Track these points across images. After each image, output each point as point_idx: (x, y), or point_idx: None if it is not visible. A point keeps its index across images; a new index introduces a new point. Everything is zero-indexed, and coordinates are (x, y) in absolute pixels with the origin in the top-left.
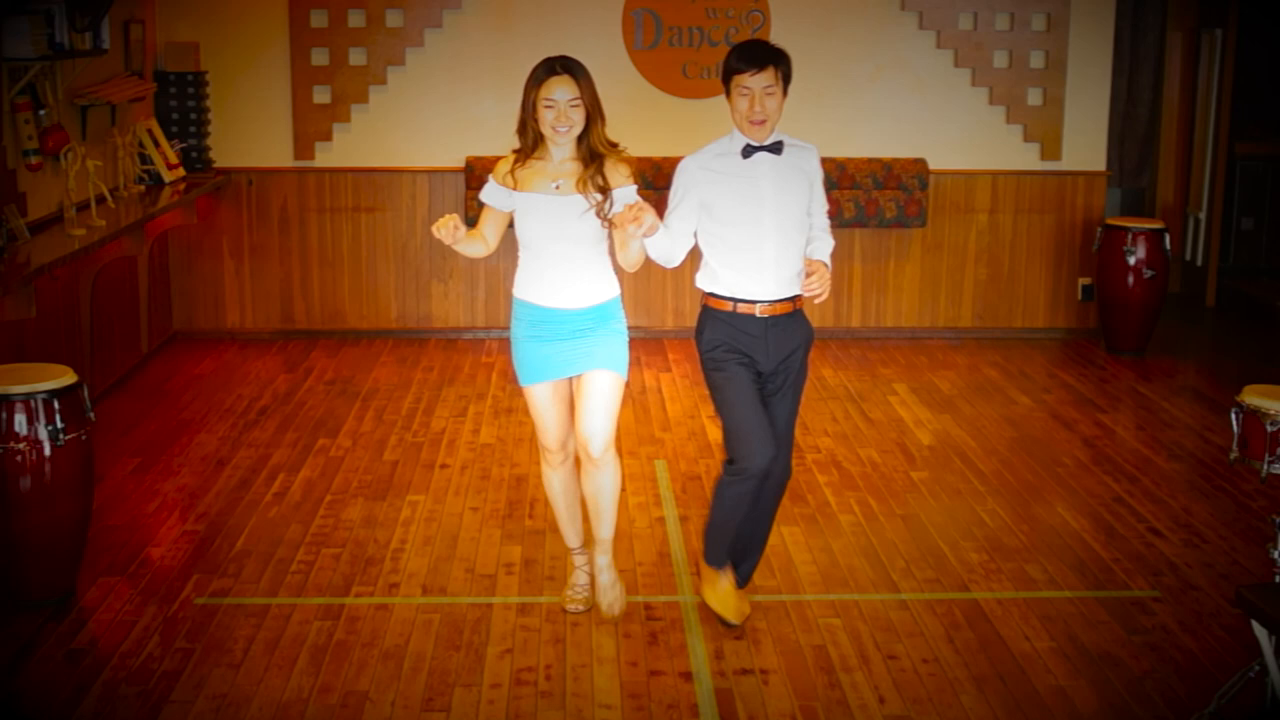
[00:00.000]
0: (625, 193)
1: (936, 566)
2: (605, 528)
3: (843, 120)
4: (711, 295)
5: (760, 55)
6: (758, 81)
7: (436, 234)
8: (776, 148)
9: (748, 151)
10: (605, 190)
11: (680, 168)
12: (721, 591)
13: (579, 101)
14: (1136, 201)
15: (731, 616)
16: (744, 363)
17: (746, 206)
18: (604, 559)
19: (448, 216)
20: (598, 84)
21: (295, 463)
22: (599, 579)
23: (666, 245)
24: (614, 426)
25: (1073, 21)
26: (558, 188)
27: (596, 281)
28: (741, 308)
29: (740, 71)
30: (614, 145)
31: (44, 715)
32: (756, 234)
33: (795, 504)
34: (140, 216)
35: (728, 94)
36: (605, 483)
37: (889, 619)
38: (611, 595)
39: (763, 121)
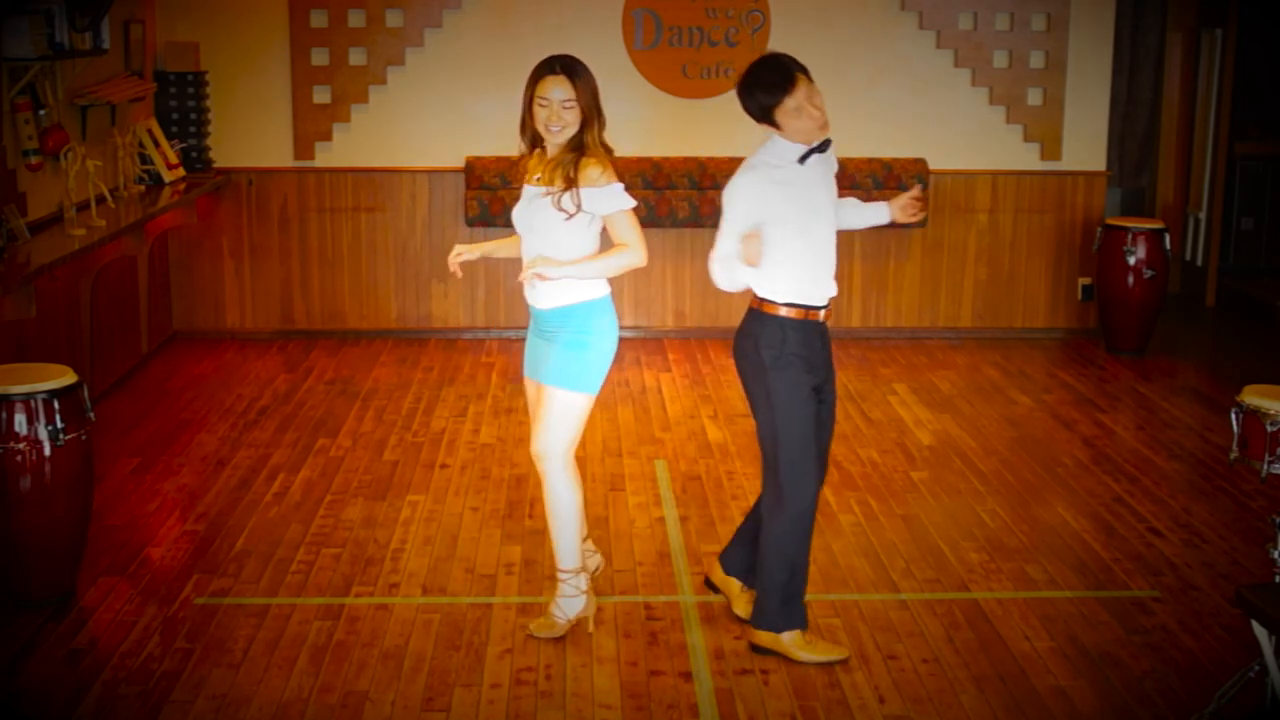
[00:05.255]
0: (594, 193)
1: (936, 566)
2: (555, 550)
3: (843, 120)
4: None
5: None
6: None
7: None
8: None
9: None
10: (570, 184)
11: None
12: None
13: (573, 103)
14: (1136, 201)
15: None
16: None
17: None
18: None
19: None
20: (598, 84)
21: (295, 463)
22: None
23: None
24: (557, 441)
25: (1073, 21)
26: (538, 179)
27: (564, 282)
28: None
29: None
30: (607, 149)
31: (44, 715)
32: None
33: None
34: (140, 216)
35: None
36: (546, 499)
37: (889, 619)
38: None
39: None
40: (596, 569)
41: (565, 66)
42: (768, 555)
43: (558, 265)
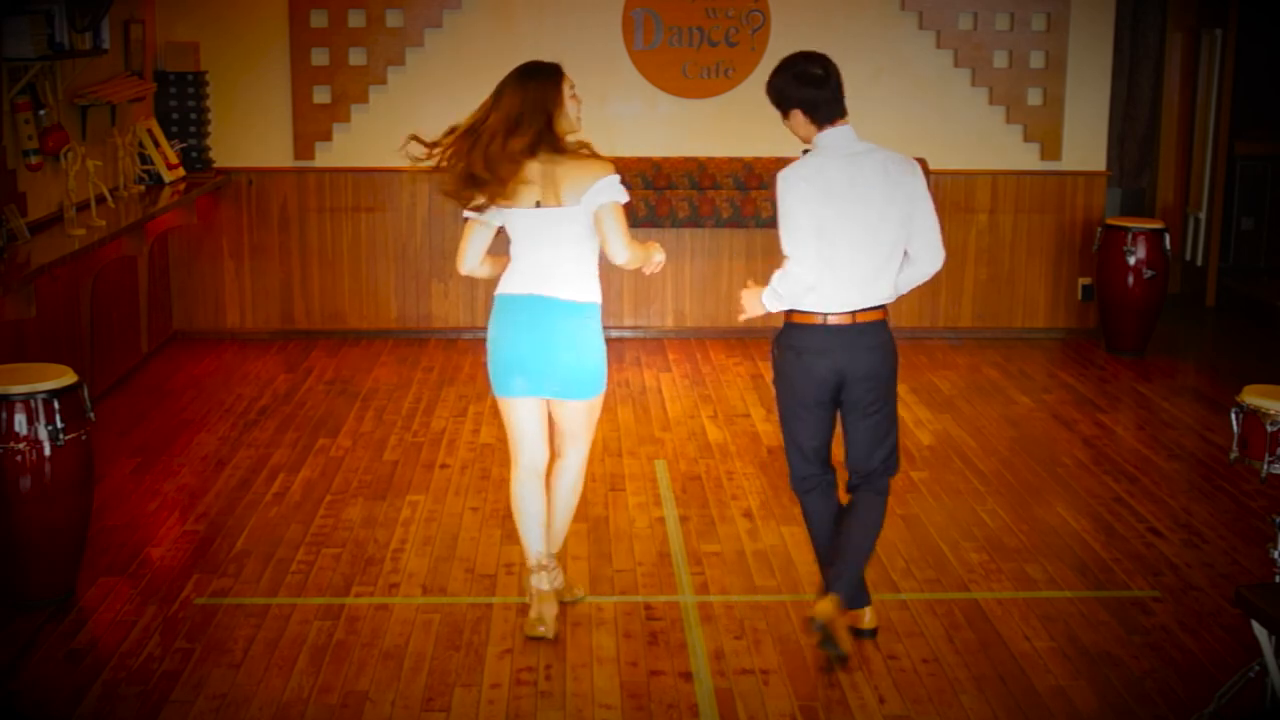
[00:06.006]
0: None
1: (936, 566)
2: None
3: None
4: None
5: None
6: None
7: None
8: None
9: None
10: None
11: None
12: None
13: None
14: (1136, 201)
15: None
16: None
17: None
18: None
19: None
20: (598, 84)
21: (295, 463)
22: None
23: None
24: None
25: (1073, 21)
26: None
27: None
28: None
29: None
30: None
31: (44, 715)
32: None
33: (794, 504)
34: (140, 216)
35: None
36: None
37: (889, 619)
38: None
39: None
40: (560, 588)
41: None
42: (869, 535)
43: None
